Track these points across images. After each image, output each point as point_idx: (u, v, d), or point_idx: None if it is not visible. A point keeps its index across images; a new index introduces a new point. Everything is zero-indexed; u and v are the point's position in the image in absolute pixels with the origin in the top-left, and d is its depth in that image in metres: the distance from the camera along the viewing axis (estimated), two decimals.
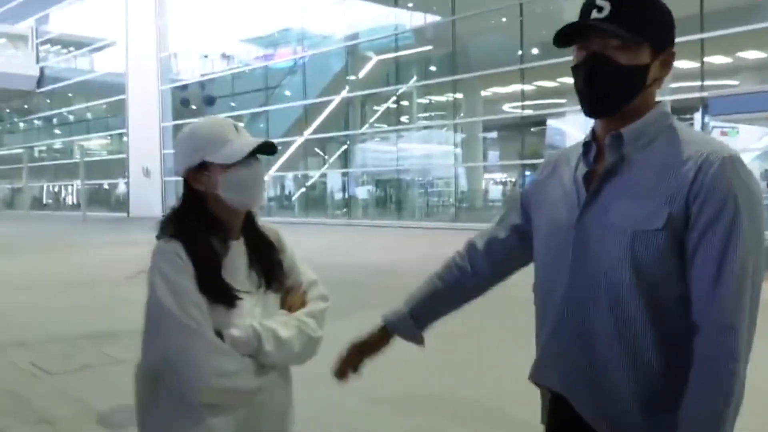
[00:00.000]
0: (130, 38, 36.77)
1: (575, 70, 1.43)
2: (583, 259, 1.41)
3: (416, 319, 1.77)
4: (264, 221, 1.85)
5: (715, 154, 1.30)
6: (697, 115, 18.19)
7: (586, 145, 1.48)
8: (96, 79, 41.85)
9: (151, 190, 35.94)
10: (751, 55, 20.92)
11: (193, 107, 35.54)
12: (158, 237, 1.68)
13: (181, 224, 1.67)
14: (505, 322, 6.54)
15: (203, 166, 1.66)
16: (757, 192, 1.32)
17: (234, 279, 1.67)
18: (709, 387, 1.27)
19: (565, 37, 1.41)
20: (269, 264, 1.76)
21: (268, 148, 1.70)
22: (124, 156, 38.50)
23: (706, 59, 18.53)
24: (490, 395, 4.95)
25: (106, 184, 43.55)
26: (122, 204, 38.65)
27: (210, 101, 34.26)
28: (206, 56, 36.93)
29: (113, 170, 40.41)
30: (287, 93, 31.88)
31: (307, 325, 1.73)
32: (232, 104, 34.61)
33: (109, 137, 42.88)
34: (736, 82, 21.06)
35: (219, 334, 1.61)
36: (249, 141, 1.67)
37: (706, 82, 18.43)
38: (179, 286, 1.58)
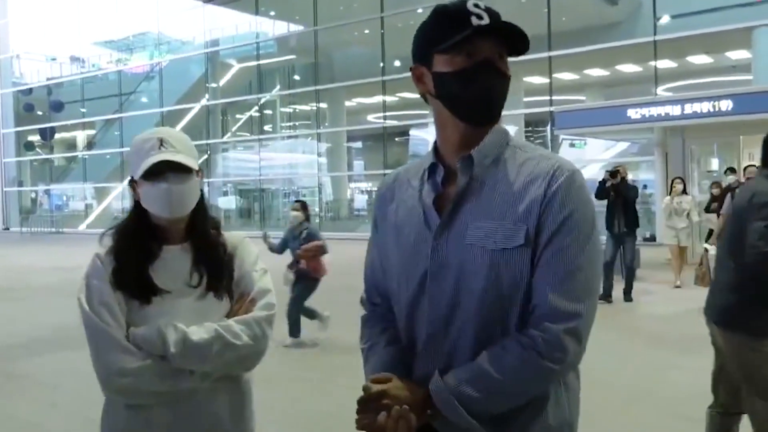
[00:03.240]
0: None
1: (464, 75, 1.38)
2: (442, 280, 1.40)
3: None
4: (231, 232, 1.95)
5: (561, 169, 1.37)
6: (549, 128, 19.24)
7: (432, 167, 1.47)
8: None
9: None
10: (596, 72, 22.49)
11: (39, 113, 33.07)
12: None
13: (117, 230, 1.83)
14: None
15: (133, 180, 1.79)
16: (592, 202, 1.44)
17: (162, 279, 1.75)
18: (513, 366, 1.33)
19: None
20: (211, 267, 1.81)
21: (170, 165, 1.74)
22: None
23: (554, 76, 19.65)
24: None
25: None
26: None
27: (58, 107, 31.98)
28: (54, 59, 34.53)
29: None
30: (144, 99, 30.44)
31: (229, 331, 1.71)
32: (83, 110, 32.56)
33: None
34: (582, 97, 22.53)
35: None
36: (156, 158, 1.73)
37: (555, 97, 19.54)
38: (92, 287, 1.71)
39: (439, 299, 1.40)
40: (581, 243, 1.35)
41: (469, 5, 1.37)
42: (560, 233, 1.34)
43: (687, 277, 10.85)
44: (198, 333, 1.68)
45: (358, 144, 31.18)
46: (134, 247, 1.77)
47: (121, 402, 1.72)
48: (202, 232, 1.86)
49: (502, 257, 1.35)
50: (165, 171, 1.73)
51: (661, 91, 18.07)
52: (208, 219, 1.89)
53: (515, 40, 1.38)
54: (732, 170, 11.32)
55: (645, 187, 20.86)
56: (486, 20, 1.36)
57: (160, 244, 1.80)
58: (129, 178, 1.81)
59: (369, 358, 1.54)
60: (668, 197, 10.75)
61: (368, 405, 1.37)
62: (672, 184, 10.74)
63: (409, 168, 1.58)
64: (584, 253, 1.35)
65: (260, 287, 1.83)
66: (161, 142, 1.75)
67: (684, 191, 10.63)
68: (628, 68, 21.10)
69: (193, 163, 1.79)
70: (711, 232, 10.63)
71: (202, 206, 1.86)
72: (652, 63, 17.84)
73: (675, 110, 14.15)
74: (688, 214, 10.32)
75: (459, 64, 1.38)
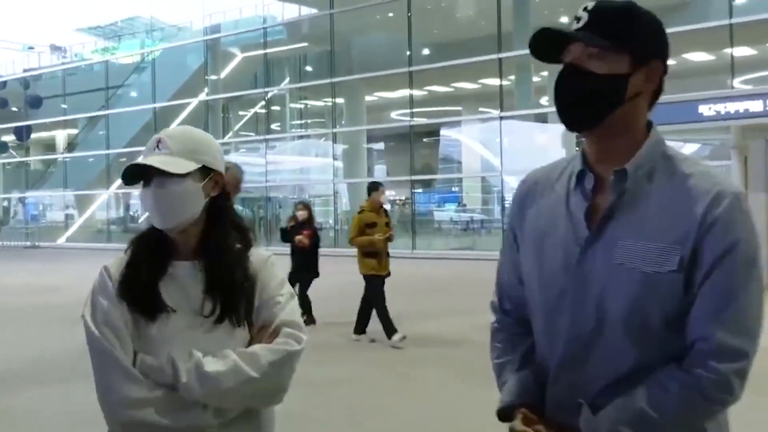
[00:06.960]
0: None
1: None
2: (584, 298, 1.50)
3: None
4: (258, 250, 1.91)
5: (724, 192, 1.42)
6: None
7: (580, 174, 1.56)
8: None
9: None
10: None
11: (14, 109, 33.54)
12: None
13: (133, 240, 1.89)
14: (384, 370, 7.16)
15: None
16: (756, 230, 1.46)
17: (171, 297, 1.77)
18: (680, 400, 1.40)
19: (546, 50, 1.53)
20: (226, 293, 1.79)
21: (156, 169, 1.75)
22: None
23: None
24: None
25: None
26: None
27: (35, 102, 32.38)
28: (31, 48, 35.10)
29: None
30: (133, 94, 30.77)
31: (249, 362, 1.70)
32: (64, 106, 32.97)
33: None
34: None
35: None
36: (138, 162, 1.78)
37: None
38: (97, 304, 1.77)
39: (581, 319, 1.50)
40: (747, 275, 1.41)
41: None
42: (724, 263, 1.40)
43: None
44: (213, 363, 1.69)
45: (380, 145, 31.22)
46: (146, 259, 1.82)
47: None
48: (216, 249, 1.83)
49: (650, 282, 1.43)
50: (153, 175, 1.77)
51: (739, 83, 17.86)
52: (227, 234, 1.86)
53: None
54: None
55: None
56: (584, 21, 1.48)
57: (170, 259, 1.83)
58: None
59: (503, 377, 1.68)
60: None
61: None
62: None
63: (550, 172, 1.68)
64: (751, 286, 1.42)
65: (283, 319, 1.81)
66: (158, 143, 1.80)
67: None
68: (699, 57, 20.94)
69: (182, 167, 1.77)
70: None
71: (220, 218, 1.84)
72: (728, 50, 17.65)
73: (756, 106, 13.97)
74: None
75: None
